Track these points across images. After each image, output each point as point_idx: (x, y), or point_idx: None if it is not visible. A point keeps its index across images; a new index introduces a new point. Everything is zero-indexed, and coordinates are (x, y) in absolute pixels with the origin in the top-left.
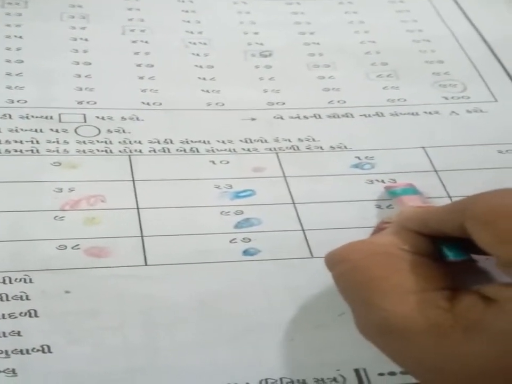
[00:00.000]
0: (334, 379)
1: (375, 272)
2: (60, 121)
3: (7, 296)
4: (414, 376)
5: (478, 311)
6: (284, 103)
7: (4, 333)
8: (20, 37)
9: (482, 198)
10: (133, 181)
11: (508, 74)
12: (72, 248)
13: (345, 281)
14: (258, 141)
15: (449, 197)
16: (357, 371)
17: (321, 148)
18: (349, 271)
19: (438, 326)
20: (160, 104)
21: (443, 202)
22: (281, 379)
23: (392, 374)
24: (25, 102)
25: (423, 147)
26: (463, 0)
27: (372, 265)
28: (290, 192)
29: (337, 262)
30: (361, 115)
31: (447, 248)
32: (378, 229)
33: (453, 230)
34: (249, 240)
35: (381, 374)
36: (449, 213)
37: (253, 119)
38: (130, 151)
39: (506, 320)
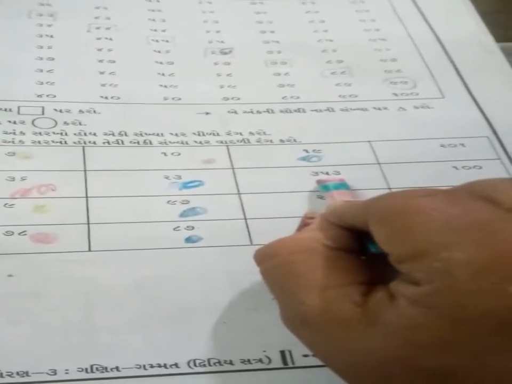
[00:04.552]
0: (260, 360)
1: (299, 268)
2: (18, 113)
3: None
4: (328, 365)
5: (382, 306)
6: (239, 98)
7: None
8: None
9: (384, 197)
10: (85, 171)
11: (458, 72)
12: (19, 234)
13: (272, 276)
14: (210, 134)
15: (389, 188)
16: (282, 352)
17: (271, 141)
18: (276, 267)
19: (347, 319)
20: (118, 98)
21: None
22: (208, 360)
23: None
24: None
25: (369, 141)
26: (422, 1)
27: (296, 261)
28: (237, 183)
29: (265, 257)
30: (312, 110)
31: (369, 242)
32: (303, 224)
33: (362, 226)
34: (193, 228)
35: (305, 356)
36: (359, 209)
37: (207, 113)
38: (85, 143)
39: (398, 315)
